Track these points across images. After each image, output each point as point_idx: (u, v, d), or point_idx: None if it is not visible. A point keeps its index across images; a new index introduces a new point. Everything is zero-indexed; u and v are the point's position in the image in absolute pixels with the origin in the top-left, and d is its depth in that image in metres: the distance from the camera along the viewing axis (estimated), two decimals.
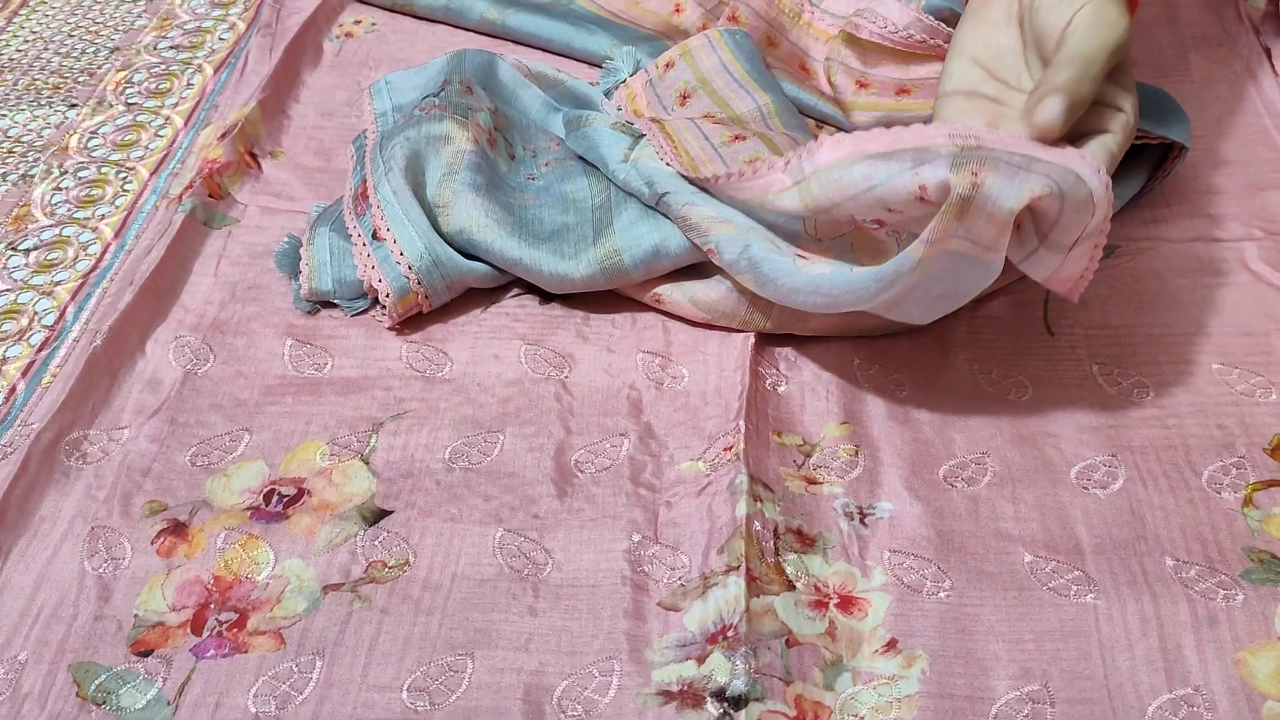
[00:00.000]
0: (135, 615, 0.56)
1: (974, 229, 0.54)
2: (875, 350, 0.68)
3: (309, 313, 0.72)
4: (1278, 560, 0.56)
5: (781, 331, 0.68)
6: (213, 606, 0.56)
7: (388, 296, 0.69)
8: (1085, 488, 0.60)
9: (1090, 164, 0.53)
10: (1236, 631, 0.53)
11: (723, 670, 0.52)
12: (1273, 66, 0.87)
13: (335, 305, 0.72)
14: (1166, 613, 0.54)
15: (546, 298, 0.73)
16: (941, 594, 0.55)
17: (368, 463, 0.63)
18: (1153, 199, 0.76)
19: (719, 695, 0.51)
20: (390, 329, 0.71)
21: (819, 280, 0.60)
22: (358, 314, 0.72)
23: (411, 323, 0.71)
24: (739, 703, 0.51)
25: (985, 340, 0.69)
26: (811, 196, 0.58)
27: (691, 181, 0.69)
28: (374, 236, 0.71)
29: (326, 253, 0.73)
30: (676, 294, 0.70)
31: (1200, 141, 0.81)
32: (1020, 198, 0.52)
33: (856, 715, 0.51)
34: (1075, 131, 0.59)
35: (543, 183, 0.76)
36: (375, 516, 0.60)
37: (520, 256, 0.70)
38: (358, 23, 0.98)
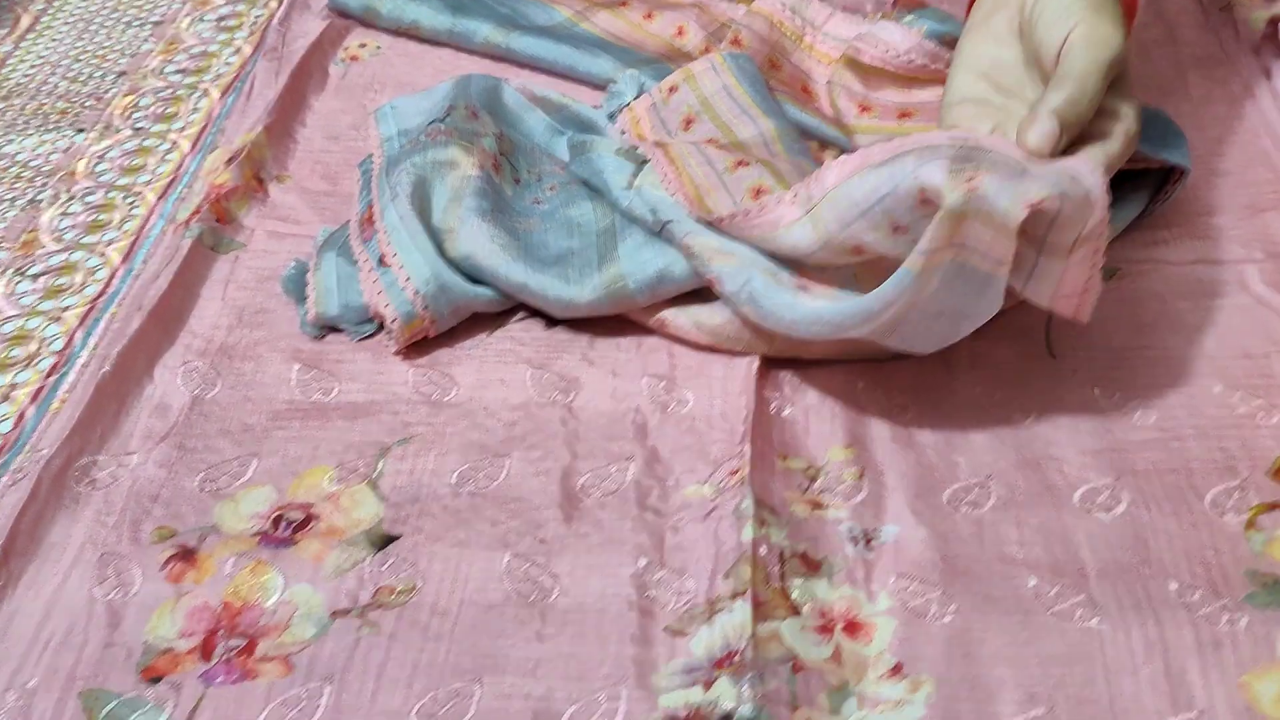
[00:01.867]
0: (144, 642, 0.56)
1: (972, 235, 0.55)
2: (879, 374, 0.68)
3: (316, 337, 0.72)
4: None
5: (785, 356, 0.69)
6: (221, 633, 0.57)
7: (394, 322, 0.70)
8: (1089, 511, 0.60)
9: (1086, 164, 0.54)
10: (1240, 655, 0.53)
11: (729, 696, 0.52)
12: (1271, 87, 0.87)
13: (342, 330, 0.73)
14: (1170, 637, 0.54)
15: (551, 322, 0.73)
16: (947, 618, 0.56)
17: (375, 488, 0.63)
18: (1153, 221, 0.76)
19: None
20: (396, 354, 0.71)
21: (820, 310, 0.61)
22: (364, 339, 0.72)
23: (418, 347, 0.72)
24: None
25: (988, 364, 0.69)
26: (823, 222, 0.59)
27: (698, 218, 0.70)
28: (380, 262, 0.72)
29: (333, 278, 0.73)
30: (681, 318, 0.70)
31: (1200, 163, 0.81)
32: (1018, 202, 0.53)
33: None
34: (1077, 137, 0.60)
35: (548, 207, 0.77)
36: (383, 542, 0.61)
37: (526, 281, 0.70)
38: (363, 46, 0.99)
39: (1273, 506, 0.60)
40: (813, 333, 0.62)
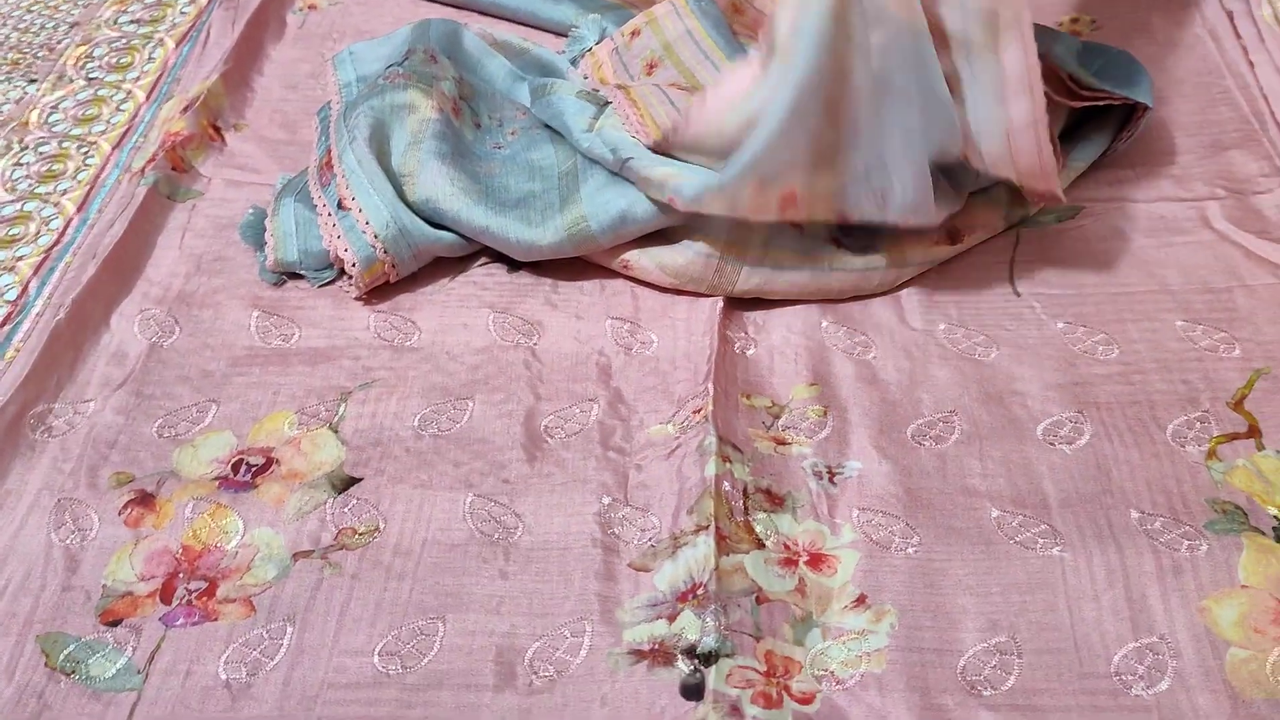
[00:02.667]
0: (103, 585, 0.56)
1: None
2: (843, 313, 0.68)
3: (275, 284, 0.72)
4: (1241, 511, 0.56)
5: (749, 296, 0.69)
6: (182, 576, 0.56)
7: (354, 266, 0.69)
8: (1052, 444, 0.60)
9: None
10: (1200, 580, 0.53)
11: (693, 628, 0.52)
12: (1234, 28, 0.87)
13: (301, 276, 0.72)
14: (1132, 564, 0.54)
15: (514, 266, 0.72)
16: (910, 550, 0.56)
17: (336, 431, 0.63)
18: (1116, 160, 0.76)
19: (690, 652, 0.51)
20: (357, 299, 0.70)
21: (763, 136, 0.61)
22: (324, 285, 0.71)
23: (379, 292, 0.71)
24: (710, 659, 0.51)
25: (952, 301, 0.69)
26: (795, 53, 0.60)
27: (657, 151, 0.69)
28: (339, 206, 0.71)
29: (292, 223, 0.72)
30: (644, 260, 0.70)
31: (1164, 103, 0.81)
32: None
33: (826, 670, 0.51)
34: None
35: (509, 151, 0.76)
36: (345, 484, 0.60)
37: (487, 224, 0.70)
38: None
39: (1233, 437, 0.60)
40: (773, 160, 0.62)
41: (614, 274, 0.72)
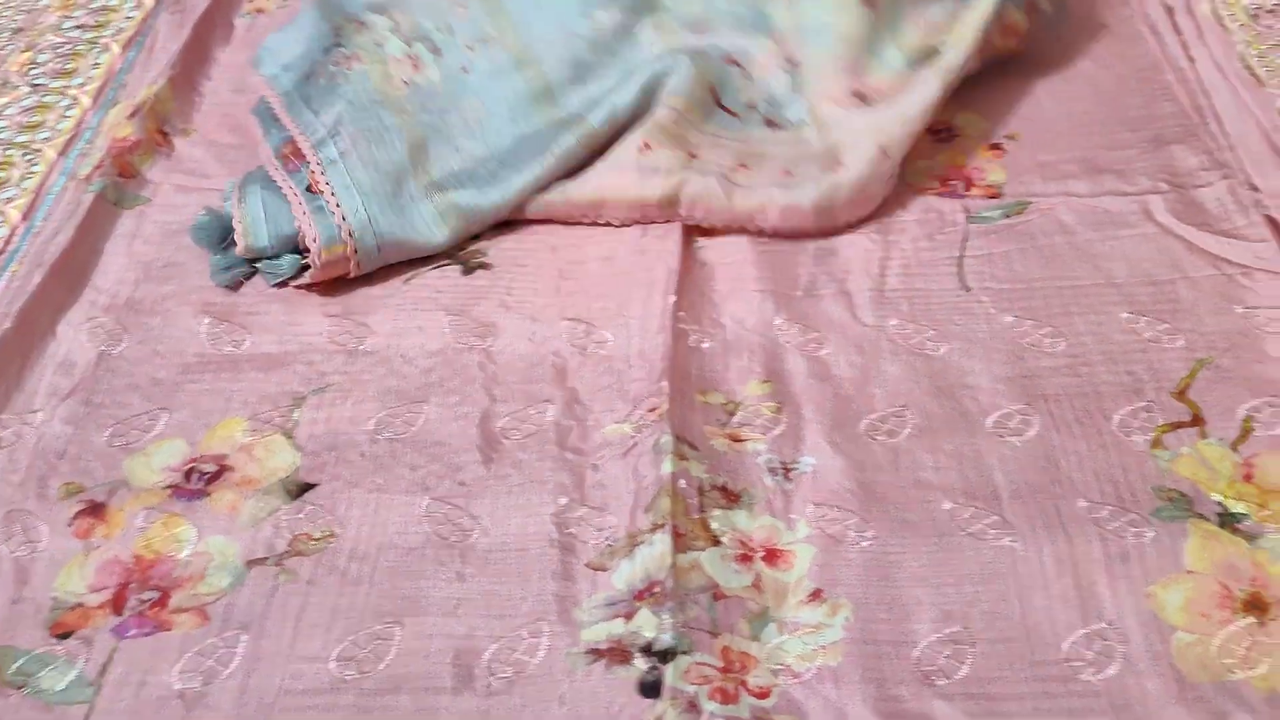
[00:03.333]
0: (53, 597, 0.55)
1: None
2: (795, 310, 0.69)
3: (230, 287, 0.71)
4: (1186, 498, 0.57)
5: (717, 216, 0.73)
6: (133, 586, 0.56)
7: (315, 241, 0.69)
8: (1001, 436, 0.61)
9: None
10: (1147, 567, 0.54)
11: (650, 626, 0.52)
12: (1174, 24, 0.88)
13: (255, 274, 0.71)
14: (1080, 552, 0.55)
15: (468, 269, 0.72)
16: (864, 543, 0.56)
17: (290, 437, 0.62)
18: (1060, 156, 0.78)
19: (647, 650, 0.52)
20: (311, 288, 0.70)
21: None
22: (279, 283, 0.71)
23: (332, 295, 0.71)
24: (667, 656, 0.51)
25: (903, 297, 0.70)
26: None
27: None
28: (308, 190, 0.72)
29: (260, 209, 0.72)
30: (612, 194, 0.74)
31: (1106, 99, 0.82)
32: None
33: (783, 664, 0.52)
34: None
35: (476, 79, 0.79)
36: (299, 490, 0.60)
37: (506, 195, 0.75)
38: None
39: (1177, 426, 0.61)
40: None
41: (568, 274, 0.72)
